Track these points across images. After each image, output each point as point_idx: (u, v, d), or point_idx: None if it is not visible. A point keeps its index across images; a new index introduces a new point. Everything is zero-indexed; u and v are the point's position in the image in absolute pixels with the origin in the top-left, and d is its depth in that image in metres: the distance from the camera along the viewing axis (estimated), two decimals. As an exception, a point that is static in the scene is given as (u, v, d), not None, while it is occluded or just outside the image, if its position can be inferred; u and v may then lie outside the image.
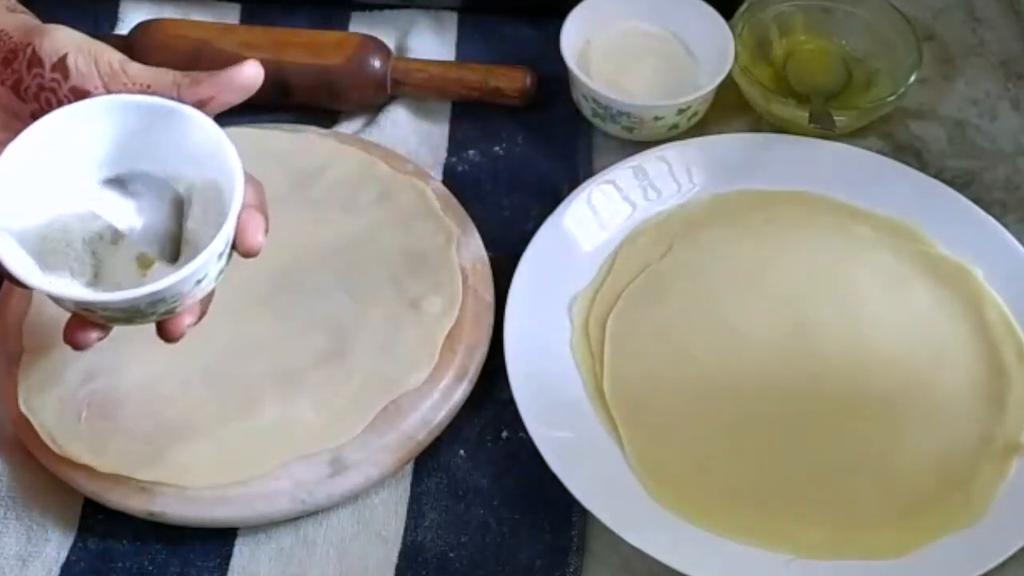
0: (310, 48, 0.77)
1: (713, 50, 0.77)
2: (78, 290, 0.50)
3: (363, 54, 0.77)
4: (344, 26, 0.83)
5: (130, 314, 0.50)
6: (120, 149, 0.51)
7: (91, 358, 0.63)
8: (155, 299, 0.48)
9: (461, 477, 0.64)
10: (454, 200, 0.72)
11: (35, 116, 0.50)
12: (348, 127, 0.78)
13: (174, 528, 0.61)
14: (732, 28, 0.77)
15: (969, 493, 0.61)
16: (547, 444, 0.62)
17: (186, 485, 0.60)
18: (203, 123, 0.51)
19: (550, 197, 0.73)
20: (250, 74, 0.51)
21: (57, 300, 0.50)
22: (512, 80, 0.78)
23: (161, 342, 0.64)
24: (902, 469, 0.62)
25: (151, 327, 0.52)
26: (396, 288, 0.67)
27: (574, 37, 0.77)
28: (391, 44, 0.81)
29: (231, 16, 0.84)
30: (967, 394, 0.65)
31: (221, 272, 0.51)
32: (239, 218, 0.50)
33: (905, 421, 0.64)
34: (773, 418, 0.64)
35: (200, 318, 0.53)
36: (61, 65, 0.51)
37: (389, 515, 0.62)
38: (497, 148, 0.78)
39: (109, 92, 0.51)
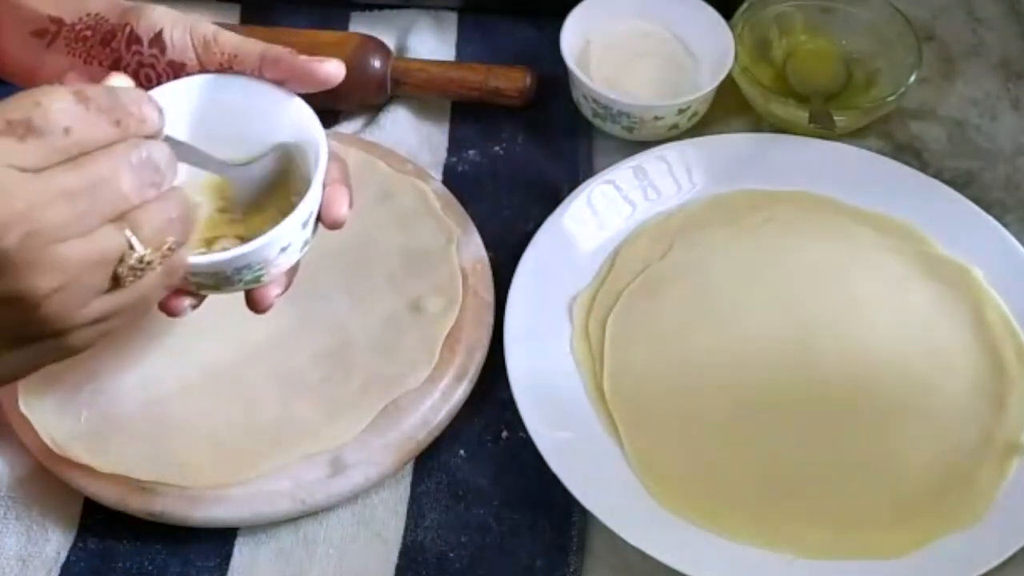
0: (310, 48, 0.76)
1: (713, 50, 0.77)
2: None
3: (363, 54, 0.77)
4: (344, 26, 0.84)
5: (218, 280, 0.50)
6: (212, 123, 0.52)
7: (91, 359, 0.63)
8: (240, 265, 0.49)
9: (461, 477, 0.64)
10: (454, 200, 0.72)
11: None
12: (348, 127, 0.78)
13: (174, 528, 0.61)
14: (732, 28, 0.77)
15: (969, 493, 0.61)
16: (547, 444, 0.62)
17: (186, 485, 0.60)
18: (288, 98, 0.52)
19: (550, 197, 0.73)
20: (330, 72, 0.52)
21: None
22: (512, 80, 0.78)
23: (161, 342, 0.65)
24: (902, 469, 0.62)
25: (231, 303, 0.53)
26: (396, 288, 0.67)
27: (574, 37, 0.77)
28: (391, 44, 0.81)
29: (231, 16, 0.84)
30: (967, 394, 0.65)
31: (306, 243, 0.52)
32: (324, 191, 0.51)
33: (905, 421, 0.64)
34: (773, 418, 0.64)
35: (286, 289, 0.55)
36: (158, 40, 0.52)
37: (389, 515, 0.62)
38: (497, 148, 0.78)
39: (202, 63, 0.52)
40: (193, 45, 0.52)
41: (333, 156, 0.52)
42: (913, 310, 0.69)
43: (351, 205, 0.54)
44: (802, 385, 0.65)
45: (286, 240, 0.50)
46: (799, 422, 0.64)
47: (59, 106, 0.40)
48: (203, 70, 0.53)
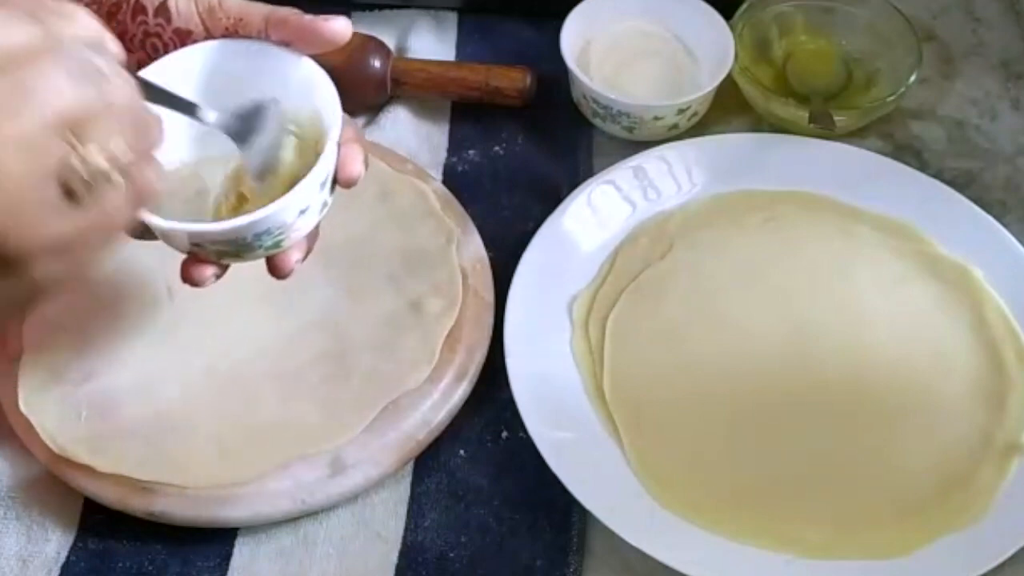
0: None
1: (713, 50, 0.77)
2: (183, 223, 0.49)
3: (363, 54, 0.77)
4: (344, 26, 0.83)
5: (238, 247, 0.50)
6: (221, 89, 0.52)
7: (91, 358, 0.63)
8: (260, 230, 0.48)
9: (461, 477, 0.64)
10: (454, 200, 0.72)
11: (140, 65, 0.52)
12: (348, 127, 0.78)
13: (174, 528, 0.61)
14: (732, 28, 0.77)
15: (969, 493, 0.61)
16: (547, 444, 0.62)
17: (186, 485, 0.60)
18: (298, 59, 0.51)
19: (550, 197, 0.73)
20: (337, 29, 0.51)
21: (166, 236, 0.50)
22: (512, 80, 0.78)
23: (161, 342, 0.64)
24: (902, 469, 0.62)
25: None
26: (396, 288, 0.67)
27: (574, 37, 0.77)
28: (391, 44, 0.81)
29: (231, 16, 0.84)
30: (967, 394, 0.65)
31: (325, 206, 0.51)
32: (339, 151, 0.51)
33: (905, 421, 0.64)
34: (773, 418, 0.64)
35: (307, 255, 0.54)
36: (163, 9, 0.52)
37: (389, 515, 0.62)
38: (497, 148, 0.78)
39: (208, 29, 0.52)
40: (198, 12, 0.52)
41: (346, 119, 0.52)
42: (913, 310, 0.69)
43: (367, 164, 0.53)
44: (802, 385, 0.65)
45: (304, 202, 0.49)
46: (799, 422, 0.64)
47: None
48: (209, 36, 0.52)
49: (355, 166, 0.51)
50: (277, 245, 0.51)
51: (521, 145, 0.78)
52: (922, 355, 0.67)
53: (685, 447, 0.63)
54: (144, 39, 0.52)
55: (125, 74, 0.42)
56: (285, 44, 0.52)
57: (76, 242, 0.40)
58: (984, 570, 0.58)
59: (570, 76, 0.77)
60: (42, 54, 0.38)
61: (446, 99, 0.79)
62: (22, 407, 0.62)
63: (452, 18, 0.85)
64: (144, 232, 0.50)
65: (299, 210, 0.49)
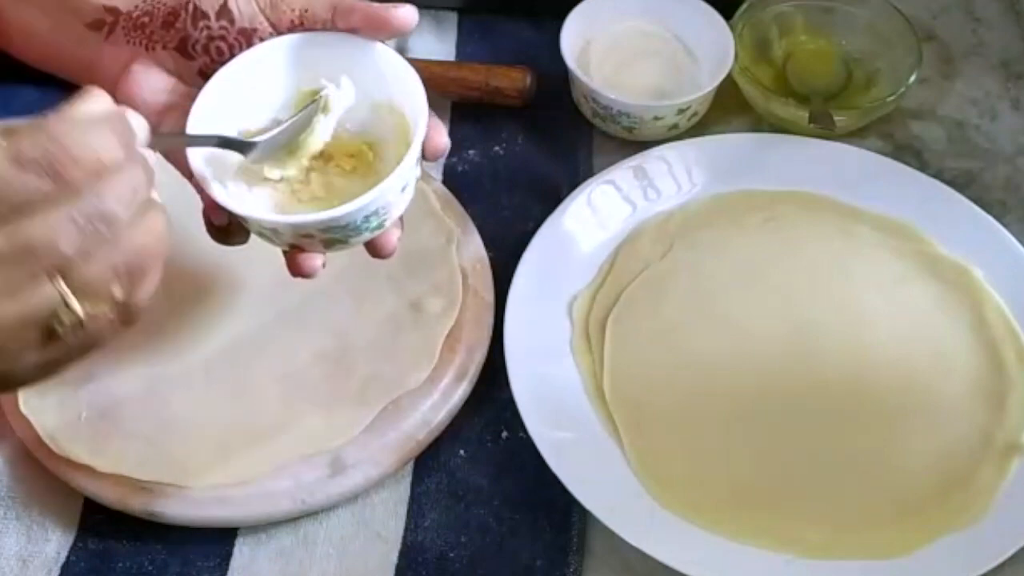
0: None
1: (713, 50, 0.77)
2: (299, 216, 0.50)
3: (363, 54, 0.77)
4: (344, 26, 0.83)
5: (347, 232, 0.50)
6: (292, 85, 0.53)
7: (91, 358, 0.63)
8: (368, 211, 0.50)
9: (461, 477, 0.64)
10: (454, 200, 0.72)
11: (203, 72, 0.52)
12: (348, 127, 0.78)
13: (174, 528, 0.61)
14: (732, 28, 0.77)
15: (969, 493, 0.61)
16: (547, 444, 0.62)
17: (186, 485, 0.60)
18: (372, 46, 0.52)
19: (550, 197, 0.73)
20: (403, 17, 0.51)
21: (272, 232, 0.50)
22: (512, 80, 0.78)
23: (161, 342, 0.64)
24: (902, 469, 0.62)
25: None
26: (396, 288, 0.67)
27: (574, 37, 0.77)
28: (391, 44, 0.81)
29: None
30: (967, 394, 0.65)
31: (417, 179, 0.52)
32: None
33: (905, 421, 0.64)
34: (773, 418, 0.64)
35: (402, 231, 0.54)
36: (225, 11, 0.52)
37: (389, 515, 0.62)
38: (497, 148, 0.78)
39: (273, 24, 0.52)
40: (260, 9, 0.52)
41: None
42: (913, 310, 0.69)
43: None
44: (802, 385, 0.65)
45: (404, 180, 0.50)
46: (799, 422, 0.64)
47: None
48: (275, 32, 0.52)
49: (442, 138, 0.52)
50: (381, 225, 0.51)
51: (521, 145, 0.78)
52: (922, 355, 0.67)
53: (685, 447, 0.63)
54: (208, 43, 0.52)
55: (145, 156, 0.41)
56: (351, 31, 0.52)
57: (56, 363, 0.40)
58: (984, 570, 0.58)
59: (570, 76, 0.77)
60: (51, 211, 0.37)
61: (446, 99, 0.79)
62: (22, 407, 0.62)
63: (452, 18, 0.85)
64: (227, 238, 0.51)
65: (401, 187, 0.50)
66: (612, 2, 0.79)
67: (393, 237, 0.53)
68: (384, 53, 0.52)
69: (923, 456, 0.63)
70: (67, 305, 0.37)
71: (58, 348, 0.38)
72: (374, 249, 0.54)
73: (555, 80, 0.78)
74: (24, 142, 0.36)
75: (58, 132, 0.37)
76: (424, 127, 0.50)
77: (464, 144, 0.78)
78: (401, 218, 0.54)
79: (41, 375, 0.39)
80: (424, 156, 0.52)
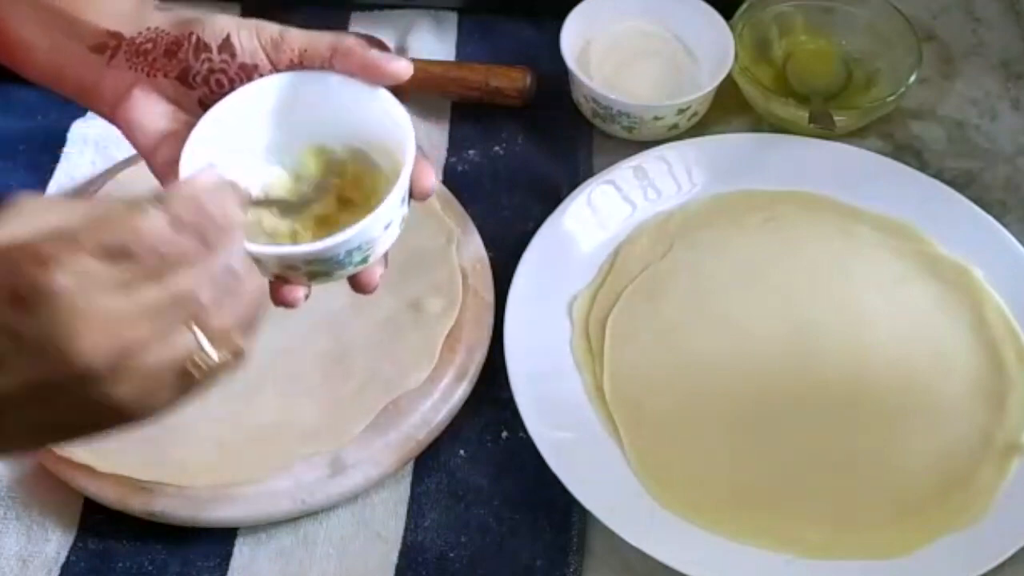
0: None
1: (713, 50, 0.77)
2: (284, 248, 0.51)
3: (363, 54, 0.77)
4: (344, 26, 0.83)
5: (330, 266, 0.51)
6: (288, 121, 0.54)
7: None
8: (352, 246, 0.50)
9: (461, 477, 0.64)
10: (454, 200, 0.72)
11: (202, 102, 0.53)
12: (348, 127, 0.78)
13: (174, 528, 0.61)
14: (732, 28, 0.77)
15: (969, 493, 0.61)
16: (547, 444, 0.62)
17: (186, 485, 0.60)
18: (367, 87, 0.53)
19: (550, 197, 0.73)
20: (399, 69, 0.52)
21: (260, 261, 0.50)
22: (512, 80, 0.78)
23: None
24: (902, 469, 0.62)
25: None
26: (396, 288, 0.67)
27: (574, 37, 0.77)
28: (391, 44, 0.81)
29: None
30: (967, 394, 0.65)
31: (404, 219, 0.53)
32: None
33: (905, 421, 0.64)
34: (773, 418, 0.64)
35: (386, 267, 0.56)
36: (227, 45, 0.53)
37: (389, 515, 0.62)
38: (497, 148, 0.78)
39: (273, 62, 0.53)
40: (262, 46, 0.53)
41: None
42: (913, 310, 0.69)
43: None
44: (802, 385, 0.65)
45: (388, 218, 0.51)
46: (799, 422, 0.64)
47: (155, 232, 0.40)
48: (274, 69, 0.53)
49: (428, 180, 0.53)
50: (364, 260, 0.52)
51: (521, 145, 0.78)
52: (922, 355, 0.67)
53: (685, 447, 0.63)
54: (208, 75, 0.53)
55: (252, 264, 0.45)
56: (348, 74, 0.53)
57: (180, 402, 0.44)
58: (984, 570, 0.58)
59: (570, 76, 0.77)
60: (198, 267, 0.41)
61: (446, 99, 0.79)
62: (22, 407, 0.62)
63: (452, 18, 0.85)
64: None
65: (384, 225, 0.51)
66: (612, 2, 0.79)
67: (376, 274, 0.54)
68: (379, 95, 0.53)
69: (923, 456, 0.63)
70: (203, 350, 0.42)
71: (187, 389, 0.43)
72: (357, 284, 0.55)
73: (555, 80, 0.78)
74: (179, 208, 0.41)
75: (203, 199, 0.42)
76: (409, 168, 0.51)
77: (464, 144, 0.78)
78: (386, 255, 0.54)
79: (163, 412, 0.43)
80: (412, 196, 0.53)
